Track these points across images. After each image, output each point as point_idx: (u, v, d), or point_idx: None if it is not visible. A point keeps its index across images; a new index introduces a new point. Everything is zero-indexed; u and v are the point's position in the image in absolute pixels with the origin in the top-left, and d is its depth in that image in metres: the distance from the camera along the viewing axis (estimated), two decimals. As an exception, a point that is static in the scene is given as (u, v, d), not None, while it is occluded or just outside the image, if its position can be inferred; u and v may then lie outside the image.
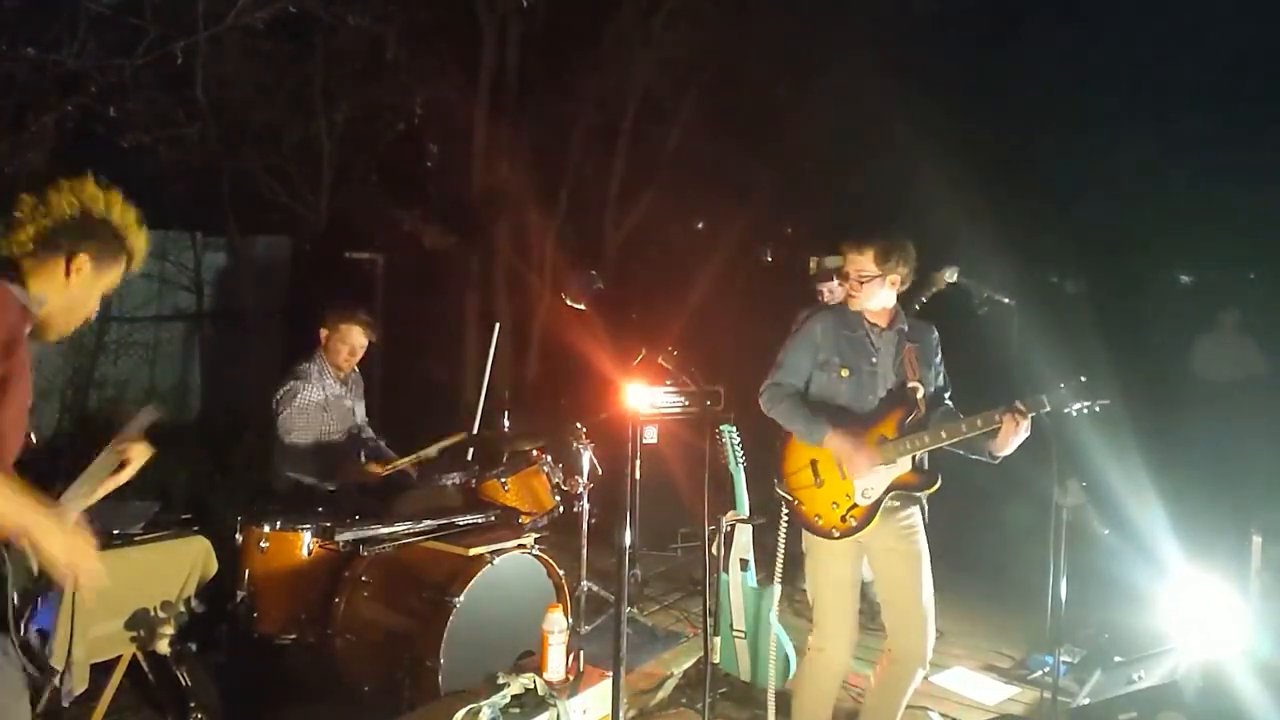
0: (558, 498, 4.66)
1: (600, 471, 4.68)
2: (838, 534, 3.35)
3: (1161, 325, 10.32)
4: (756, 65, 9.74)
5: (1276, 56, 12.07)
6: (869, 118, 9.77)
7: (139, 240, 2.29)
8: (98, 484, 2.33)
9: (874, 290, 3.37)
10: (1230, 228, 11.78)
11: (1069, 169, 12.22)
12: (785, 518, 3.52)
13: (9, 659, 2.06)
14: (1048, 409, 3.19)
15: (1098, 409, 3.21)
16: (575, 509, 4.64)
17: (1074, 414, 3.21)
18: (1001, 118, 11.34)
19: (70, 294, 2.20)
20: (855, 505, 3.33)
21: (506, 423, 5.01)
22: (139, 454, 2.39)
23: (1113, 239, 12.61)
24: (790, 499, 3.45)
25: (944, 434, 3.27)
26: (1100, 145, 12.15)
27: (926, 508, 3.47)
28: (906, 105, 9.22)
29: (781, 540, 3.58)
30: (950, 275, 4.62)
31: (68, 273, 2.18)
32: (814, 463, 3.40)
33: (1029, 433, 3.20)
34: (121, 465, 2.38)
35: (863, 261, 3.35)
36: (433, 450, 4.52)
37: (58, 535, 2.01)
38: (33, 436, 2.22)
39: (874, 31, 9.39)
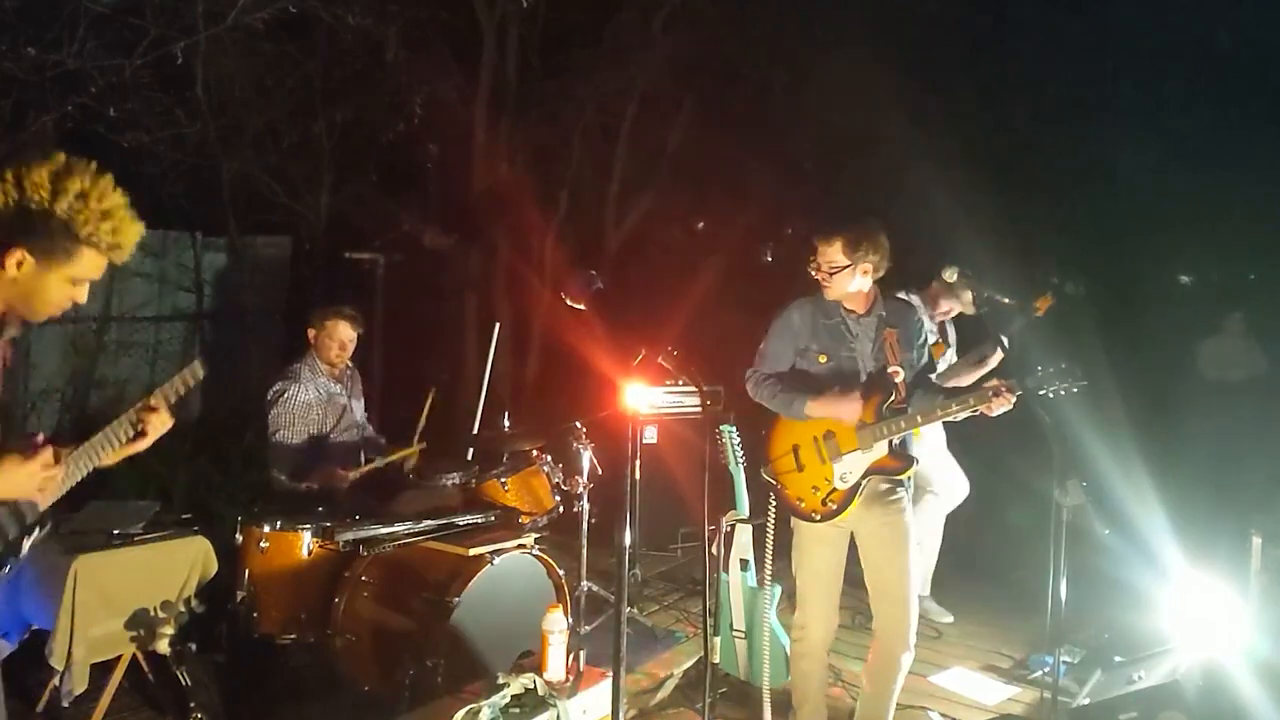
0: (558, 498, 4.66)
1: (600, 471, 4.68)
2: (818, 517, 3.46)
3: (1162, 325, 10.32)
4: (756, 65, 9.74)
5: (1277, 56, 12.06)
6: (869, 118, 9.78)
7: (107, 231, 2.06)
8: (111, 446, 2.25)
9: (845, 280, 3.42)
10: (1230, 228, 11.77)
11: (1069, 169, 12.22)
12: (773, 502, 3.63)
13: None
14: (1020, 391, 3.26)
15: (1075, 390, 3.28)
16: (575, 509, 4.64)
17: (1050, 395, 3.29)
18: (1002, 118, 11.34)
19: (16, 287, 2.05)
20: (834, 489, 3.44)
21: (506, 423, 5.01)
22: (158, 424, 2.29)
23: (1113, 239, 12.60)
24: (774, 483, 3.57)
25: (919, 418, 3.36)
26: (1101, 145, 12.14)
27: (911, 487, 3.55)
28: (906, 105, 9.22)
29: (771, 524, 3.67)
30: (950, 275, 4.62)
31: (3, 265, 2.01)
32: (795, 448, 3.52)
33: (1010, 406, 3.28)
34: (139, 434, 2.28)
35: (831, 253, 3.40)
36: (384, 461, 4.51)
37: (14, 478, 2.02)
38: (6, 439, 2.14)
39: (873, 31, 9.38)
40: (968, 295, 4.61)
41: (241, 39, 6.75)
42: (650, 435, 5.59)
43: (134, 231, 2.12)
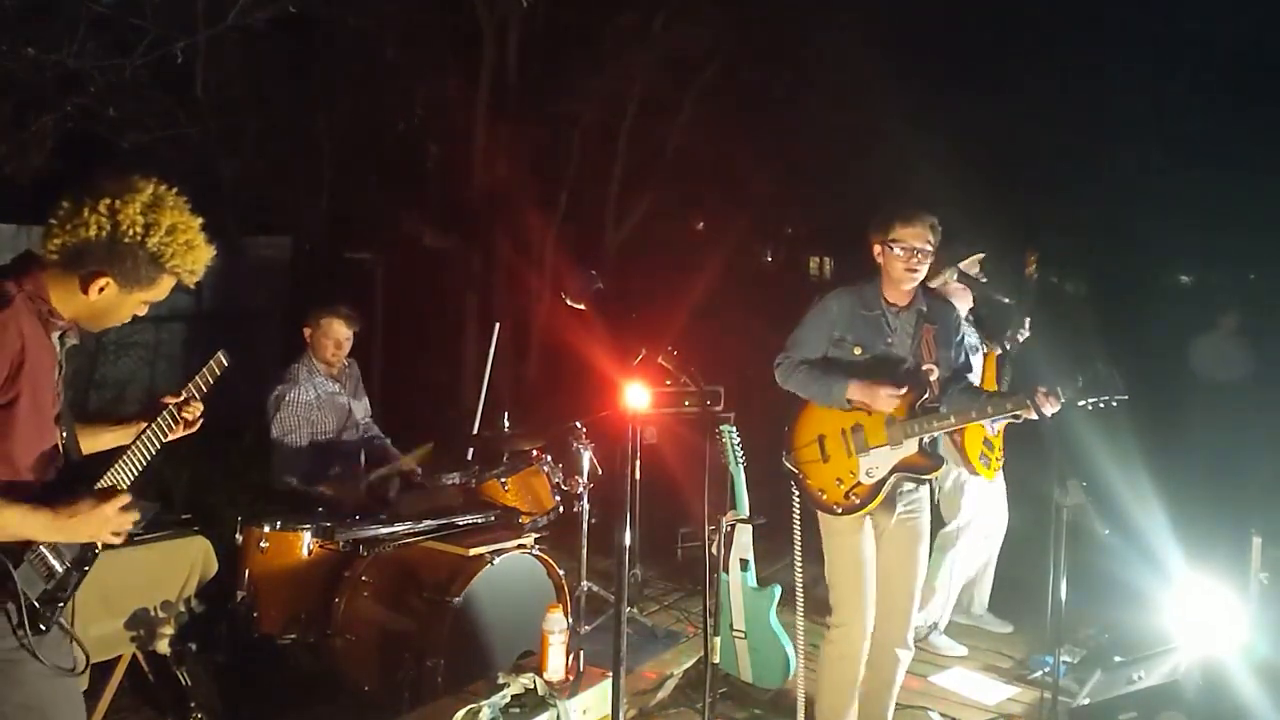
0: (558, 498, 4.66)
1: (600, 471, 4.68)
2: (840, 510, 3.38)
3: (1161, 325, 10.31)
4: (756, 65, 9.75)
5: (1277, 56, 12.06)
6: (869, 117, 9.78)
7: (189, 262, 2.14)
8: (151, 449, 2.31)
9: (927, 266, 3.34)
10: (1230, 228, 11.78)
11: (1069, 168, 12.22)
12: (795, 494, 3.55)
13: (35, 663, 2.07)
14: (1063, 401, 3.20)
15: (1114, 404, 3.21)
16: (575, 509, 4.64)
17: (1089, 407, 3.21)
18: (1002, 117, 11.35)
19: (92, 307, 2.12)
20: (859, 483, 3.36)
21: (506, 423, 5.01)
22: (194, 414, 2.39)
23: (1113, 239, 12.61)
24: (797, 472, 3.48)
25: (953, 419, 3.29)
26: (1101, 145, 12.15)
27: (935, 487, 3.51)
28: (907, 105, 9.22)
29: (796, 517, 3.59)
30: (950, 275, 4.61)
31: (85, 290, 2.07)
32: (821, 438, 3.43)
33: (1052, 412, 3.21)
34: (177, 421, 2.36)
35: (926, 233, 3.29)
36: (409, 462, 4.51)
37: (75, 529, 2.06)
38: (60, 447, 2.18)
39: (874, 31, 9.39)
40: (968, 294, 4.56)
41: (241, 39, 6.75)
42: (650, 435, 5.58)
43: (209, 256, 2.19)
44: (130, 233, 2.04)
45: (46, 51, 5.59)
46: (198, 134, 7.26)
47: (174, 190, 2.13)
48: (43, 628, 2.07)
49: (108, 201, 2.03)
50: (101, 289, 2.08)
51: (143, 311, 2.21)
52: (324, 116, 8.18)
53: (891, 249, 3.31)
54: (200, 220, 2.16)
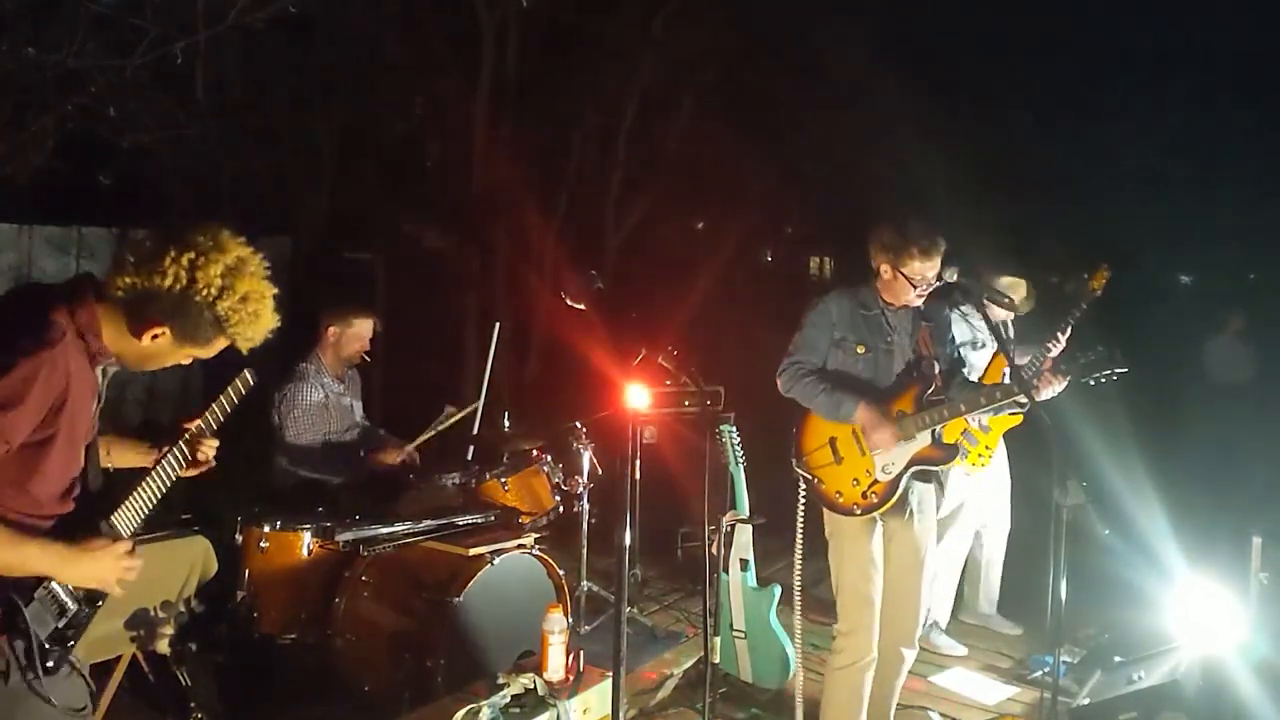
0: (558, 498, 4.66)
1: (600, 471, 4.68)
2: (859, 510, 3.36)
3: (1162, 326, 10.32)
4: (756, 65, 9.75)
5: (1277, 58, 12.08)
6: (869, 118, 9.79)
7: (250, 331, 2.09)
8: (161, 489, 2.28)
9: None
10: (1231, 229, 11.80)
11: (1069, 169, 12.25)
12: (803, 498, 3.51)
13: (43, 702, 2.05)
14: (1070, 376, 3.28)
15: (1115, 378, 3.26)
16: (575, 509, 4.64)
17: (1092, 383, 3.30)
18: (1002, 118, 11.36)
19: (141, 350, 2.06)
20: (876, 481, 3.35)
21: (506, 423, 5.01)
22: (207, 449, 2.36)
23: (1113, 239, 12.62)
24: (810, 477, 3.45)
25: (963, 406, 3.31)
26: (1101, 146, 12.16)
27: (945, 483, 3.51)
28: (907, 106, 9.23)
29: (800, 522, 3.55)
30: (950, 275, 4.60)
31: (138, 335, 2.02)
32: (832, 440, 3.42)
33: (1058, 390, 3.31)
34: (192, 460, 2.33)
35: (935, 264, 3.31)
36: (444, 422, 4.65)
37: (86, 566, 2.05)
38: (87, 471, 2.16)
39: (875, 33, 9.40)
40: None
41: (241, 39, 6.74)
42: (650, 435, 5.58)
43: (271, 327, 2.15)
44: (204, 292, 2.00)
45: (46, 51, 5.58)
46: (198, 134, 7.25)
47: (259, 255, 2.09)
48: (50, 665, 2.05)
49: (191, 256, 1.98)
50: (155, 336, 2.03)
51: (187, 362, 2.17)
52: (324, 116, 8.17)
53: (905, 277, 3.31)
54: (275, 291, 2.12)
